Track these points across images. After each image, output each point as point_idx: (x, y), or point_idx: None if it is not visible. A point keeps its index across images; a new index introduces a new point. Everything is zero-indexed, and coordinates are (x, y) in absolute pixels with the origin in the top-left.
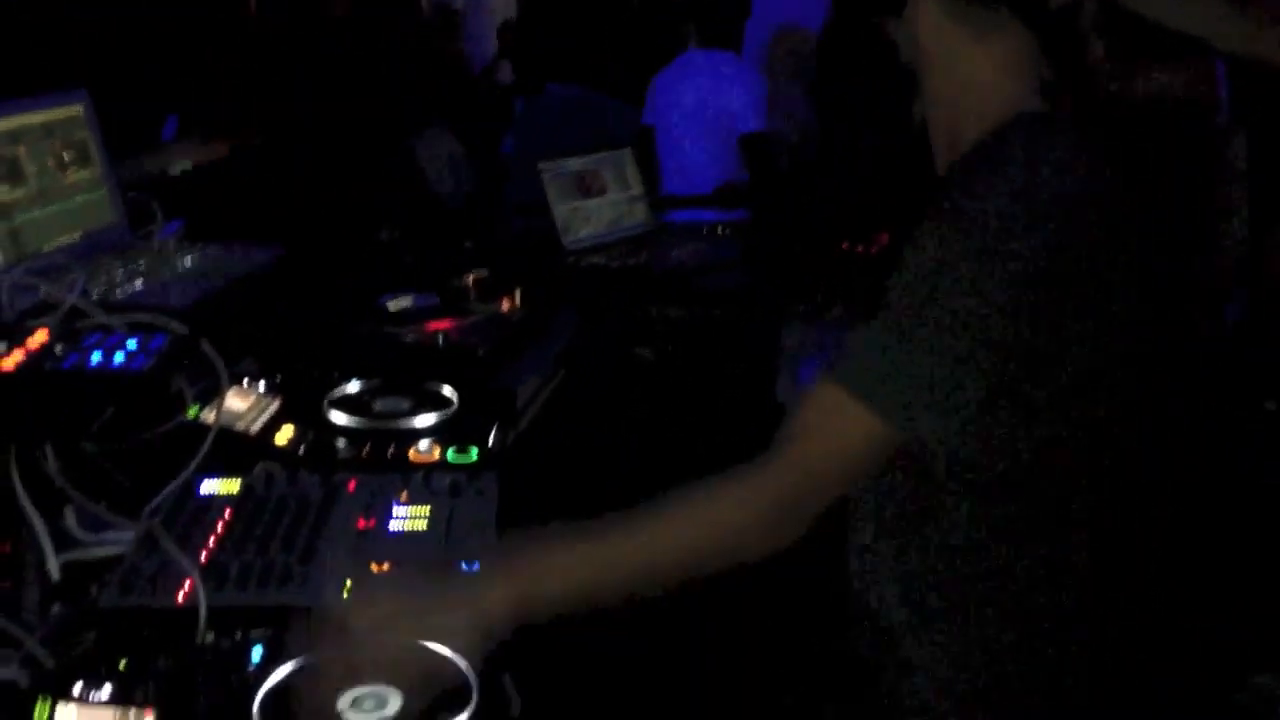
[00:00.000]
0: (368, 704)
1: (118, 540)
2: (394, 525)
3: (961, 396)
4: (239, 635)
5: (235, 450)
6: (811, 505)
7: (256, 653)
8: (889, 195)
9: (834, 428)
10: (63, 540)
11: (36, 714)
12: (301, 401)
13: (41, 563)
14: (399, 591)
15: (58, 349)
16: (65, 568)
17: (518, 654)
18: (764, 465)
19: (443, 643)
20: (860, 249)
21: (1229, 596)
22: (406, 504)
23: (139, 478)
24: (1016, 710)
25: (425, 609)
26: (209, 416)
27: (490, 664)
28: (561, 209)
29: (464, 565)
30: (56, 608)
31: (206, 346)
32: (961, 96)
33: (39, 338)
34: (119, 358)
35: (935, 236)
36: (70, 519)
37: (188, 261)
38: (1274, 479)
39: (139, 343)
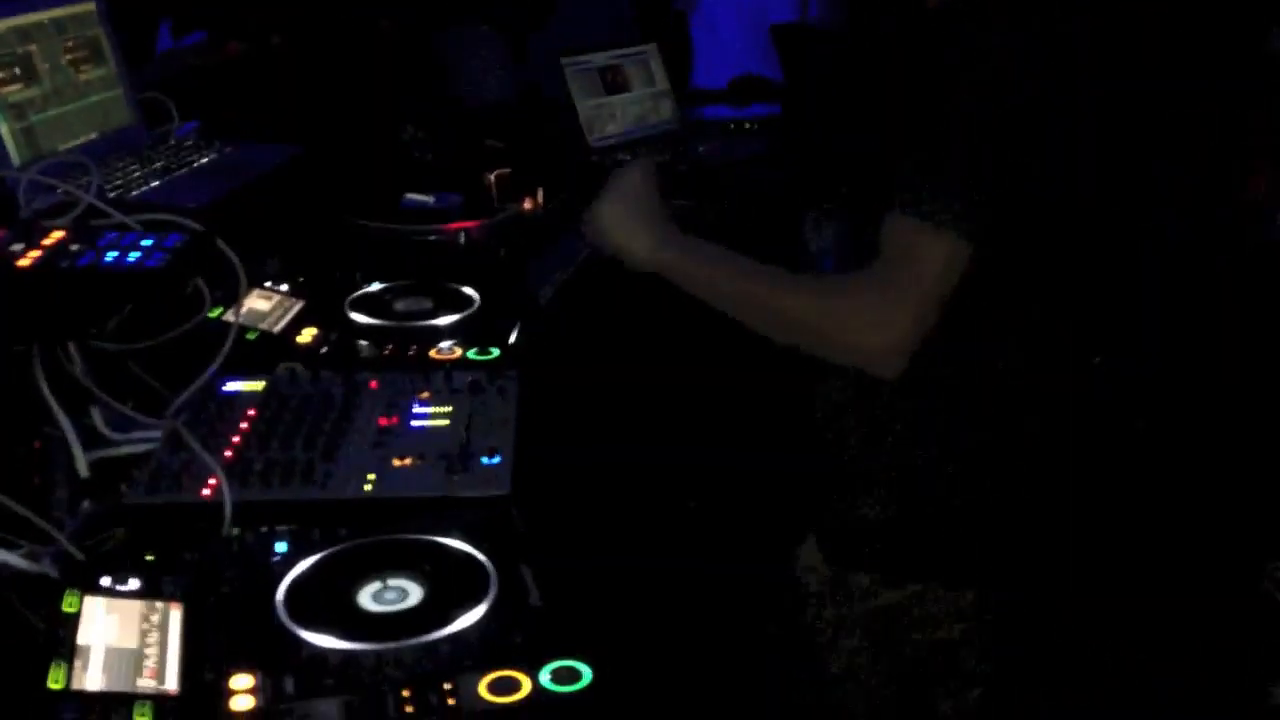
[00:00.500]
0: (389, 595)
1: (144, 439)
2: (415, 423)
3: None
4: (264, 530)
5: (259, 351)
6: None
7: (281, 546)
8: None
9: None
10: (91, 439)
11: (65, 606)
12: (324, 302)
13: (70, 461)
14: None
15: (73, 247)
16: (93, 466)
17: (536, 548)
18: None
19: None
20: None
21: None
22: (428, 403)
23: (164, 378)
24: None
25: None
26: (232, 317)
27: (509, 556)
28: (585, 106)
29: (485, 460)
30: (85, 504)
31: (222, 245)
32: None
33: (55, 236)
34: (134, 256)
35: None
36: (97, 418)
37: (204, 161)
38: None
39: (155, 241)
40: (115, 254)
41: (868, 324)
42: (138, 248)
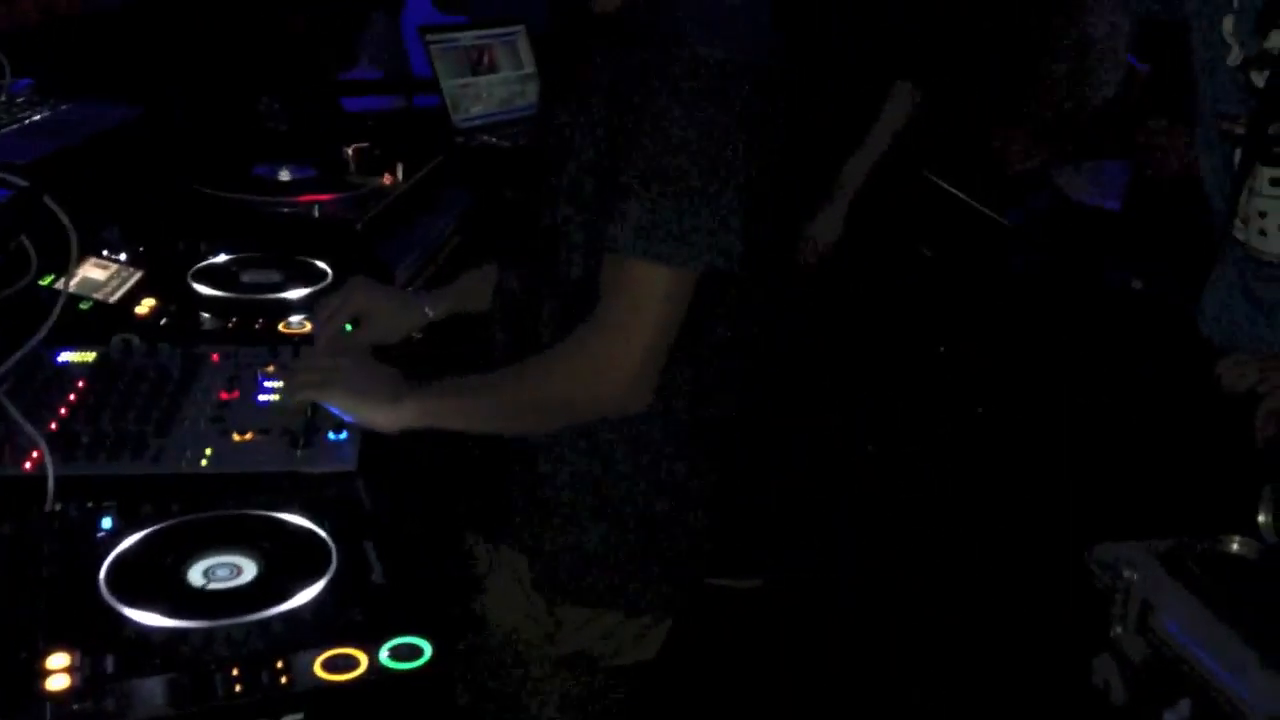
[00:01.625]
0: (220, 572)
1: None
2: (261, 397)
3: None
4: (89, 505)
5: (93, 321)
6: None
7: (107, 522)
8: None
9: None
10: None
11: None
12: (165, 273)
13: None
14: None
15: None
16: None
17: (379, 523)
18: (596, 343)
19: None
20: None
21: None
22: (274, 377)
23: None
24: None
25: (358, 391)
26: (62, 285)
27: (353, 533)
28: (450, 84)
29: (331, 435)
30: None
31: (52, 204)
32: None
33: None
34: None
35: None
36: None
37: (37, 118)
38: None
39: None
40: None
41: (596, 373)
42: None
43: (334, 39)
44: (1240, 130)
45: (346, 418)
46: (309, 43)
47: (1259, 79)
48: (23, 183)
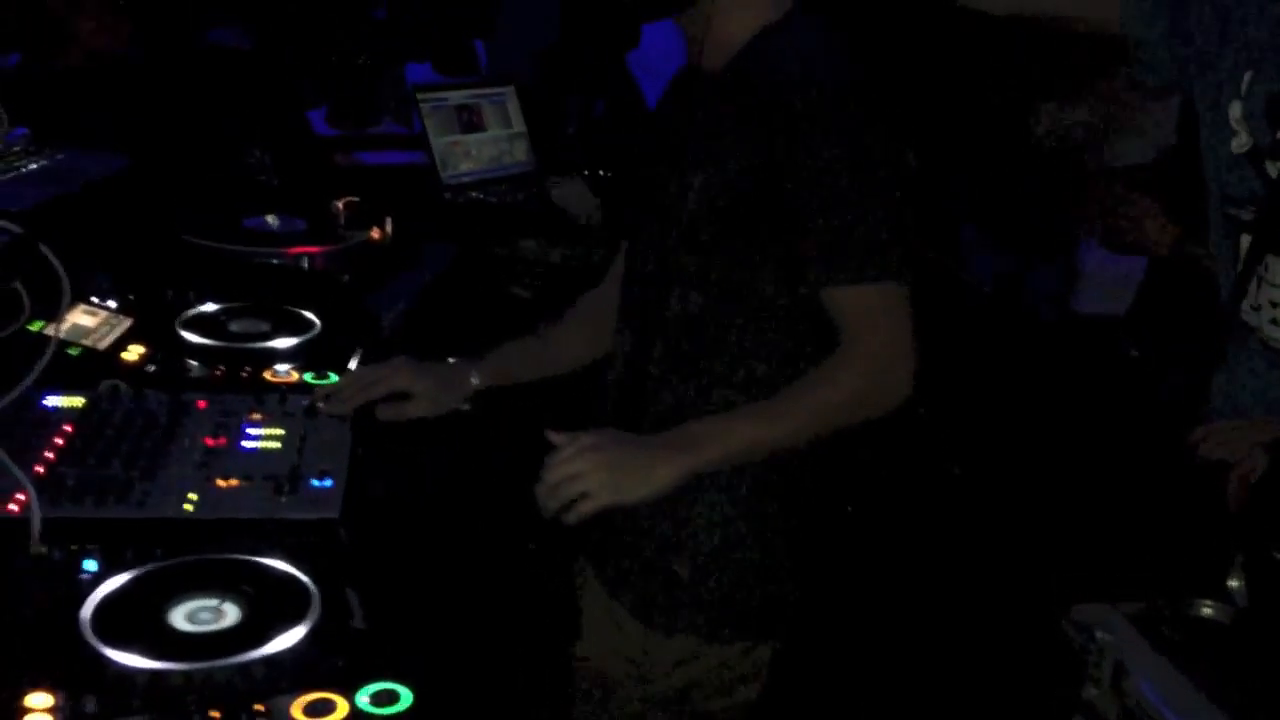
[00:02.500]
0: (203, 616)
1: None
2: (245, 444)
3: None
4: (74, 548)
5: (81, 367)
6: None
7: (91, 565)
8: None
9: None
10: None
11: None
12: (154, 321)
13: None
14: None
15: None
16: None
17: (362, 570)
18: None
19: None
20: None
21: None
22: (259, 424)
23: None
24: None
25: (628, 468)
26: (52, 330)
27: (335, 579)
28: (439, 142)
29: (314, 482)
30: None
31: (46, 251)
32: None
33: None
34: None
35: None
36: None
37: (32, 167)
38: None
39: None
40: None
41: (883, 385)
42: None
43: (327, 93)
44: (1247, 217)
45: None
46: (295, 97)
47: (1272, 169)
48: (18, 230)
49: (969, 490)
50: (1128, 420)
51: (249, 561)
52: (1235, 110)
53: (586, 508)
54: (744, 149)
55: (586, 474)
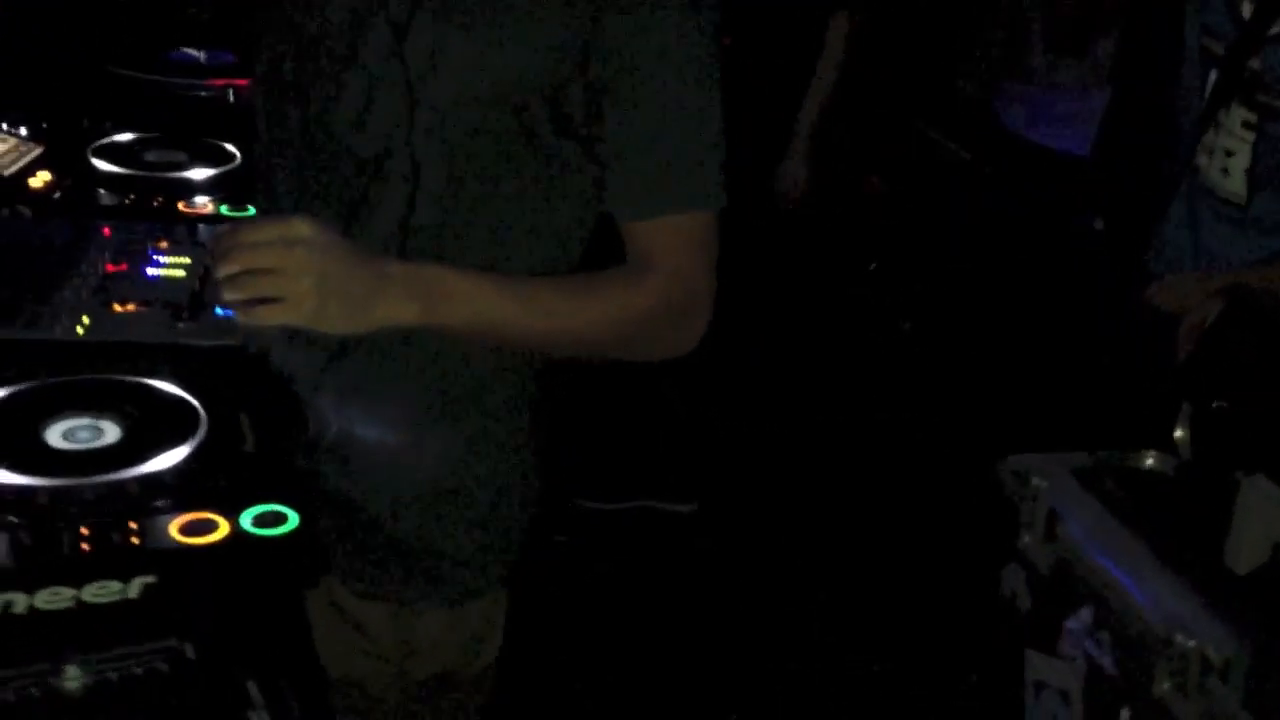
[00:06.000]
0: (81, 434)
1: None
2: (150, 271)
3: None
4: None
5: None
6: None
7: None
8: None
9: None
10: None
11: None
12: (66, 149)
13: None
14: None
15: None
16: None
17: (261, 399)
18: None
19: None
20: None
21: None
22: (165, 252)
23: None
24: None
25: (341, 296)
26: None
27: (229, 405)
28: None
29: (218, 310)
30: None
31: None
32: None
33: None
34: None
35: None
36: None
37: None
38: None
39: None
40: None
41: (678, 322)
42: None
43: None
44: (1219, 51)
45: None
46: None
47: (1246, 8)
48: None
49: (918, 347)
50: (1080, 275)
51: (135, 383)
52: None
53: (270, 318)
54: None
55: (289, 275)
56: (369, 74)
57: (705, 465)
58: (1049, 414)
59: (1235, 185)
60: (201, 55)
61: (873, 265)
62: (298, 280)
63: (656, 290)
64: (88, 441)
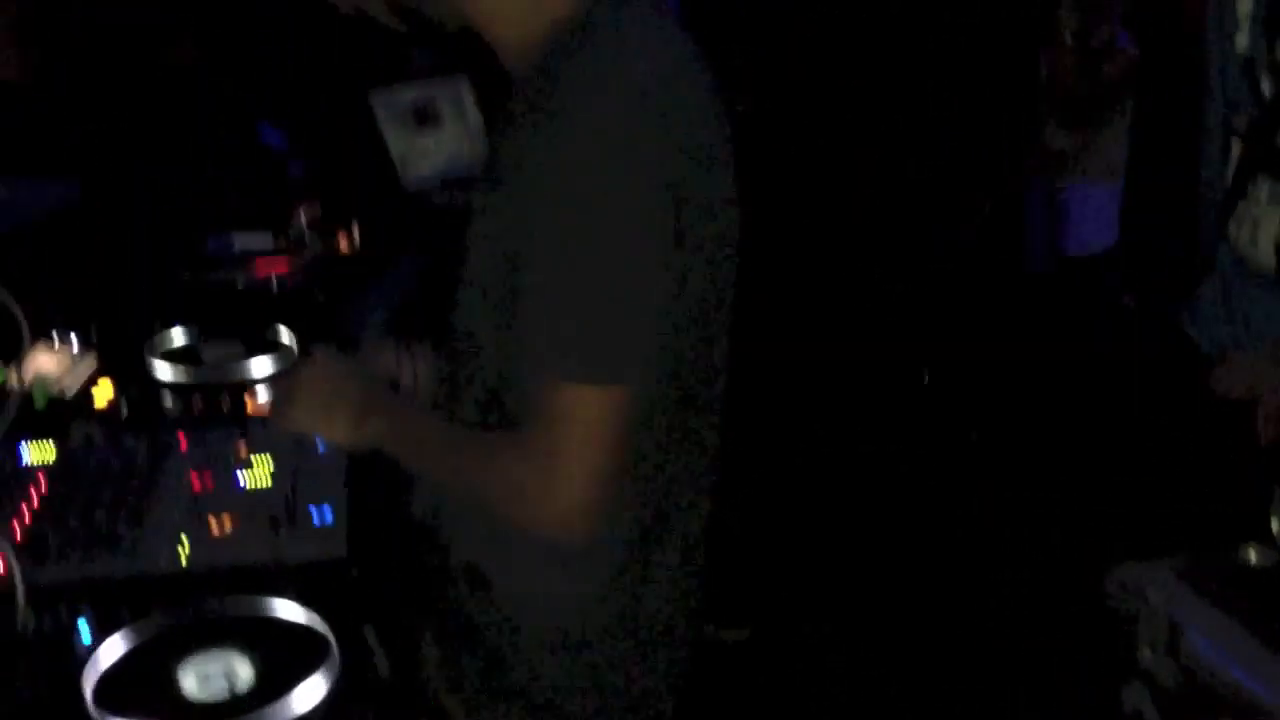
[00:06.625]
0: (214, 678)
1: None
2: (235, 481)
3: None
4: (62, 612)
5: (48, 415)
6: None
7: (84, 632)
8: None
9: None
10: None
11: None
12: (120, 356)
13: None
14: (336, 376)
15: None
16: None
17: (377, 606)
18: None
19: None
20: None
21: None
22: (247, 458)
23: None
24: None
25: (321, 409)
26: (15, 380)
27: (349, 620)
28: (397, 141)
29: (315, 520)
30: None
31: (6, 297)
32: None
33: None
34: None
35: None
36: None
37: None
38: None
39: None
40: None
41: (537, 496)
42: None
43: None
44: (1243, 129)
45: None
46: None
47: (1266, 85)
48: None
49: (987, 456)
50: (1136, 369)
51: (256, 612)
52: (1245, 4)
53: (280, 424)
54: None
55: (297, 395)
56: None
57: (763, 589)
58: (1134, 512)
59: (1265, 255)
60: (237, 240)
61: (925, 377)
62: (300, 400)
63: (531, 454)
64: (222, 686)
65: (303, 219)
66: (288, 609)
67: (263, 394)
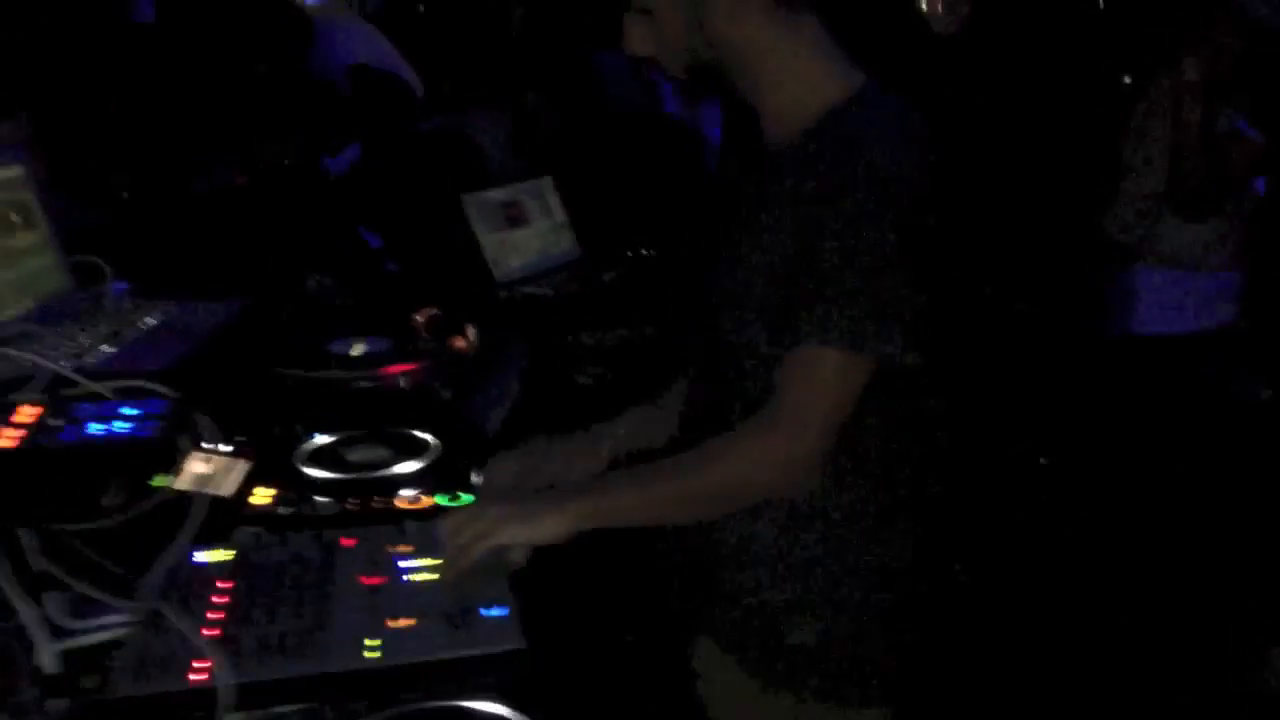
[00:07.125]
0: None
1: (109, 624)
2: (405, 577)
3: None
4: (265, 714)
5: (212, 516)
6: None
7: None
8: None
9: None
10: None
11: None
12: (271, 460)
13: (30, 656)
14: (497, 505)
15: (53, 422)
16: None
17: (567, 696)
18: (774, 425)
19: (534, 537)
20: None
21: None
22: (412, 555)
23: (112, 556)
24: None
25: (518, 515)
26: (182, 485)
27: (545, 712)
28: (489, 240)
29: (482, 611)
30: (55, 703)
31: (198, 412)
32: (788, 81)
33: (29, 412)
34: (122, 427)
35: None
36: (51, 606)
37: (151, 322)
38: None
39: (141, 410)
40: (101, 426)
41: (775, 459)
42: (121, 418)
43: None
44: None
45: (521, 545)
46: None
47: None
48: (172, 394)
49: (1103, 547)
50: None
51: (460, 708)
52: None
53: (480, 545)
54: (787, 239)
55: (484, 517)
56: None
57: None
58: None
59: None
60: (359, 344)
61: (1042, 460)
62: (491, 517)
63: (760, 428)
64: None
65: (420, 321)
66: (490, 707)
67: (409, 492)
